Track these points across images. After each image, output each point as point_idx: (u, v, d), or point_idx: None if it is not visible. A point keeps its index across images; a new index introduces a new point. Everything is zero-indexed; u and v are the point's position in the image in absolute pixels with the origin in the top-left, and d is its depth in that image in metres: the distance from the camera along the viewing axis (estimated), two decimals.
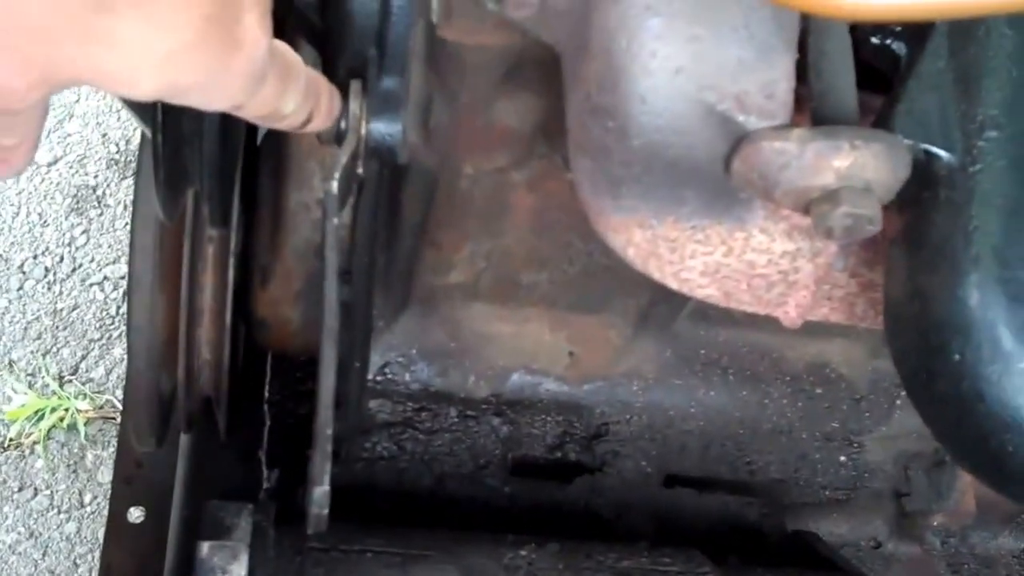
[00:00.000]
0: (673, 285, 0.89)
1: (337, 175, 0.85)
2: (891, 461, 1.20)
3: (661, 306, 1.13)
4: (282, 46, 0.78)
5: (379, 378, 1.13)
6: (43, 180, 2.04)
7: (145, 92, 0.68)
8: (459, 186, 1.04)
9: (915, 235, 0.80)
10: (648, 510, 1.17)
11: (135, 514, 1.45)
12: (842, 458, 1.18)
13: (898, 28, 0.83)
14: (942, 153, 0.79)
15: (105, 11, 0.64)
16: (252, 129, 1.10)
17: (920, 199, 0.80)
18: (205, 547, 0.97)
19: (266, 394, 1.30)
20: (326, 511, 0.88)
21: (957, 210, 0.78)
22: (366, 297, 1.12)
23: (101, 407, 1.91)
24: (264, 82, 0.76)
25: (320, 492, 0.88)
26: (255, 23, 0.72)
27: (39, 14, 0.63)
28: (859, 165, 0.77)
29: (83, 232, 2.02)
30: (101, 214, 2.01)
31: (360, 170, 0.92)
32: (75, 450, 1.88)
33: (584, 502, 1.16)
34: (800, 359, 1.17)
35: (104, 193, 2.03)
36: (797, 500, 1.20)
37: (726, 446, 1.17)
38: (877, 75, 0.86)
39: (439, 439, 1.14)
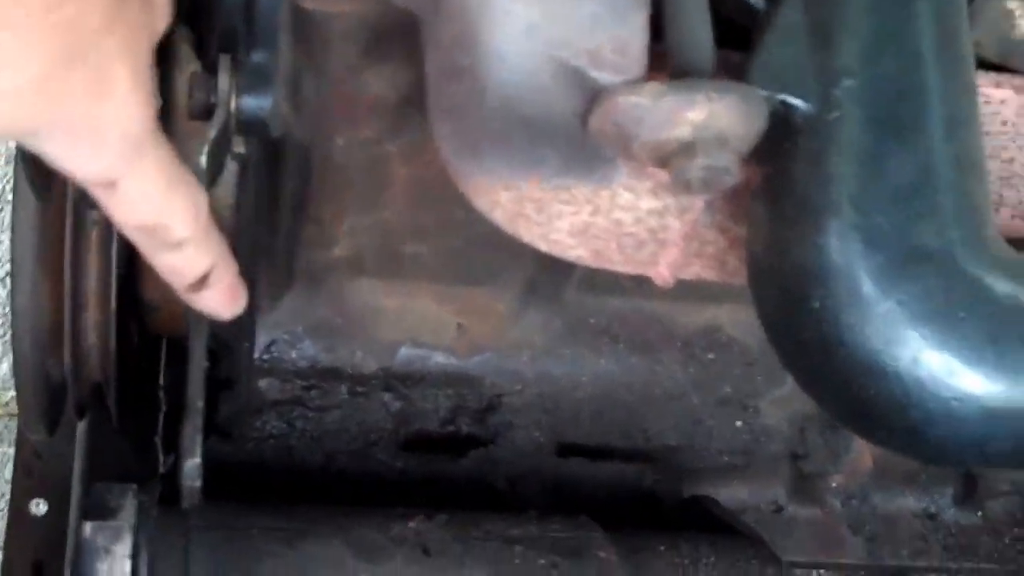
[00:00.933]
0: (543, 247, 0.88)
1: (205, 150, 0.84)
2: (787, 423, 1.20)
3: (547, 275, 1.12)
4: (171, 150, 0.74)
5: (266, 357, 1.12)
6: None
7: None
8: (333, 159, 1.03)
9: (774, 186, 0.80)
10: (542, 480, 1.16)
11: (38, 506, 1.43)
12: (738, 423, 1.18)
13: None
14: (799, 103, 0.78)
15: None
16: None
17: (779, 150, 0.79)
18: (88, 527, 0.95)
19: (161, 380, 1.28)
20: (199, 483, 0.87)
21: (814, 159, 0.78)
22: (250, 276, 1.11)
23: (6, 404, 1.89)
24: (143, 155, 0.72)
25: (191, 464, 0.87)
26: (127, 76, 0.69)
27: None
28: (714, 117, 0.76)
29: None
30: (1, 210, 1.99)
31: (241, 149, 0.91)
32: None
33: (478, 474, 1.15)
34: (691, 325, 1.16)
35: (3, 189, 2.01)
36: (694, 466, 1.20)
37: (619, 414, 1.17)
38: (739, 31, 0.86)
39: (329, 416, 1.13)
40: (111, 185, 0.71)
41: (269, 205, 1.07)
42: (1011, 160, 0.89)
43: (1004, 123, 0.88)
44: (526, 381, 1.15)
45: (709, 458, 1.19)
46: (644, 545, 1.03)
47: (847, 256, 0.75)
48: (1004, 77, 0.90)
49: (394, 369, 1.13)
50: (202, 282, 0.79)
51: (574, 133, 0.80)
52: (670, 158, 0.77)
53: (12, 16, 0.62)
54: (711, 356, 1.15)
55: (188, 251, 0.76)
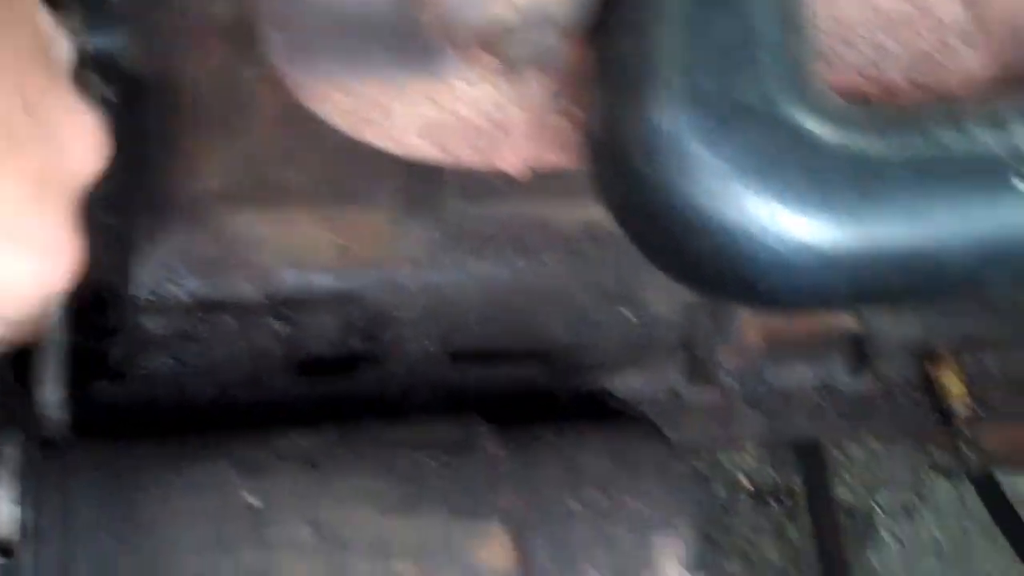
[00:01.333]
0: (393, 149, 0.89)
1: None
2: (675, 310, 1.21)
3: (423, 186, 1.13)
4: None
5: (149, 296, 1.13)
6: None
7: None
8: (190, 89, 1.03)
9: (603, 62, 0.81)
10: (436, 389, 1.17)
11: None
12: (626, 314, 1.19)
13: None
14: None
15: None
16: None
17: (606, 24, 0.81)
18: None
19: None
20: (64, 415, 0.88)
21: (637, 29, 0.79)
22: (125, 217, 1.12)
23: None
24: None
25: (52, 395, 0.88)
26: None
27: None
28: None
29: None
30: None
31: (101, 88, 0.92)
32: None
33: (373, 390, 1.16)
34: (571, 222, 1.17)
35: None
36: (587, 362, 1.21)
37: (508, 317, 1.18)
38: None
39: (218, 348, 1.14)
40: None
41: (136, 143, 1.07)
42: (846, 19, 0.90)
43: None
44: (411, 294, 1.16)
45: (601, 352, 1.20)
46: (532, 437, 1.05)
47: (673, 120, 0.76)
48: None
49: (279, 296, 1.14)
50: None
51: (401, 27, 0.81)
52: (495, 40, 0.79)
53: None
54: (593, 252, 1.16)
55: None
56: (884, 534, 1.94)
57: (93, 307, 1.22)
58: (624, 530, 1.00)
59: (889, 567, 1.91)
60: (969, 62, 0.87)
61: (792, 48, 0.78)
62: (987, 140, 0.75)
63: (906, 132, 0.77)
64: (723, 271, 0.77)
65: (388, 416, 1.16)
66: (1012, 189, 0.74)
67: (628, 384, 1.22)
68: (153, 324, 1.14)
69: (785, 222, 0.75)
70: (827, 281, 0.76)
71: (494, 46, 0.78)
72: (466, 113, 0.87)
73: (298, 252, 1.15)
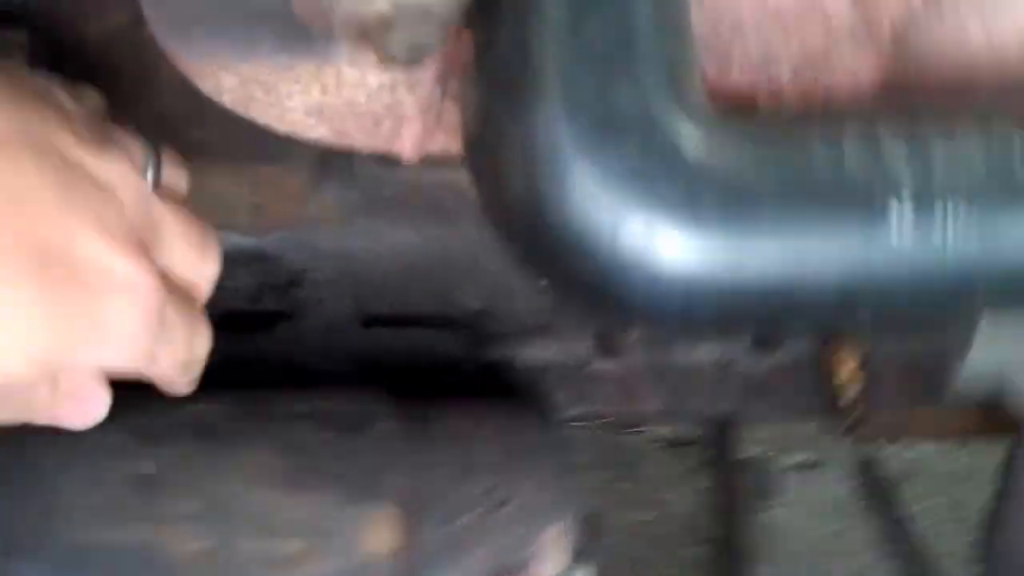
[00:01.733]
0: (281, 128, 0.87)
1: None
2: None
3: (339, 150, 1.12)
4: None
5: None
6: None
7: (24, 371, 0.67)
8: (92, 50, 1.01)
9: (482, 56, 0.79)
10: (349, 353, 1.17)
11: None
12: (540, 283, 1.18)
13: None
14: None
15: None
16: None
17: (486, 15, 0.79)
18: None
19: None
20: None
21: (516, 25, 0.77)
22: None
23: None
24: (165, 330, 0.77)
25: None
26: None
27: None
28: None
29: None
30: None
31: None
32: None
33: (287, 351, 1.16)
34: None
35: None
36: (499, 329, 1.21)
37: (422, 282, 1.17)
38: None
39: None
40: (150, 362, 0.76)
41: None
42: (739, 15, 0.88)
43: None
44: (325, 256, 1.15)
45: (513, 321, 1.20)
46: (429, 416, 1.05)
47: (548, 127, 0.75)
48: None
49: None
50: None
51: (285, 9, 0.79)
52: (369, 33, 0.77)
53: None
54: None
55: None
56: (790, 491, 1.95)
57: None
58: (514, 518, 1.01)
59: (792, 523, 1.93)
60: (857, 64, 0.85)
61: (671, 53, 0.76)
62: (863, 163, 0.73)
63: (781, 150, 0.75)
64: (592, 286, 0.75)
65: (302, 379, 1.16)
66: (884, 218, 0.73)
67: (537, 354, 1.22)
68: None
69: (654, 239, 0.73)
70: (694, 304, 0.75)
71: (373, 40, 0.76)
72: (356, 97, 0.85)
73: (211, 210, 1.13)
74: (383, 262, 1.16)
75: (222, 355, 1.17)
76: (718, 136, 0.75)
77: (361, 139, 0.88)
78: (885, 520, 1.58)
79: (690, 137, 0.75)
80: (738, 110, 0.87)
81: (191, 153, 1.12)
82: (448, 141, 0.89)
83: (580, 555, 0.99)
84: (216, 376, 1.15)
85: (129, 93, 1.06)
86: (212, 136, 1.10)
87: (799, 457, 1.92)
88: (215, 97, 0.84)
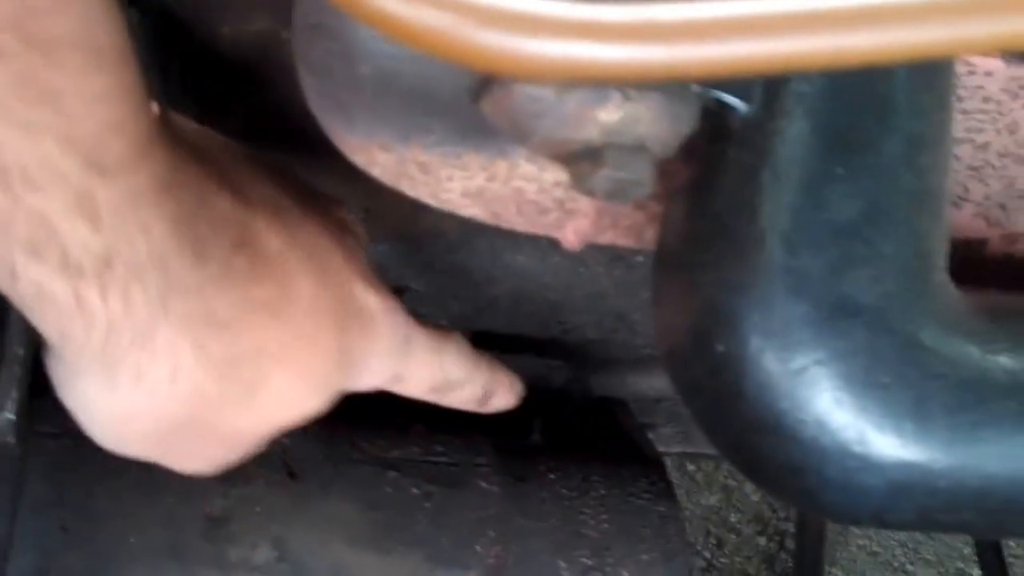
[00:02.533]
0: (431, 203, 0.76)
1: None
2: None
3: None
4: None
5: None
6: None
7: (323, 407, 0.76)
8: (225, 51, 0.88)
9: (696, 196, 0.67)
10: None
11: None
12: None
13: None
14: (738, 103, 0.65)
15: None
16: None
17: (707, 154, 0.66)
18: None
19: None
20: (12, 440, 0.77)
21: (745, 176, 0.64)
22: None
23: None
24: (411, 347, 0.80)
25: (3, 419, 0.77)
26: (377, 306, 0.77)
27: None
28: (630, 120, 0.62)
29: None
30: None
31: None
32: None
33: None
34: None
35: None
36: (614, 357, 1.10)
37: (538, 306, 1.06)
38: None
39: None
40: (398, 380, 0.81)
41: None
42: (985, 146, 0.75)
43: (986, 100, 0.74)
44: (435, 272, 1.03)
45: (630, 351, 1.09)
46: (532, 472, 0.95)
47: (765, 301, 0.63)
48: None
49: None
50: (487, 397, 0.87)
51: (464, 106, 0.66)
52: (571, 159, 0.64)
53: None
54: (639, 259, 1.03)
55: (468, 386, 0.85)
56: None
57: None
58: None
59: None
60: None
61: (921, 231, 0.64)
62: None
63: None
64: (784, 478, 0.65)
65: (394, 399, 1.06)
66: None
67: (651, 383, 1.11)
68: None
69: (869, 446, 0.63)
70: (896, 508, 0.65)
71: (572, 170, 0.64)
72: (526, 190, 0.73)
73: None
74: (497, 285, 1.04)
75: None
76: (960, 336, 0.64)
77: (520, 223, 0.76)
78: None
79: (927, 336, 0.63)
80: (966, 256, 0.76)
81: (307, 149, 1.01)
82: (617, 238, 0.77)
83: None
84: None
85: (257, 94, 0.94)
86: None
87: None
88: (364, 168, 0.72)
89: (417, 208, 1.02)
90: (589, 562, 0.93)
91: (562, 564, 0.93)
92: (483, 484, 0.93)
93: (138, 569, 0.87)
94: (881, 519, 0.68)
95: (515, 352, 1.06)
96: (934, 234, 0.65)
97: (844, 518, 0.69)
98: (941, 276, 0.66)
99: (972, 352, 0.64)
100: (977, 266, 0.77)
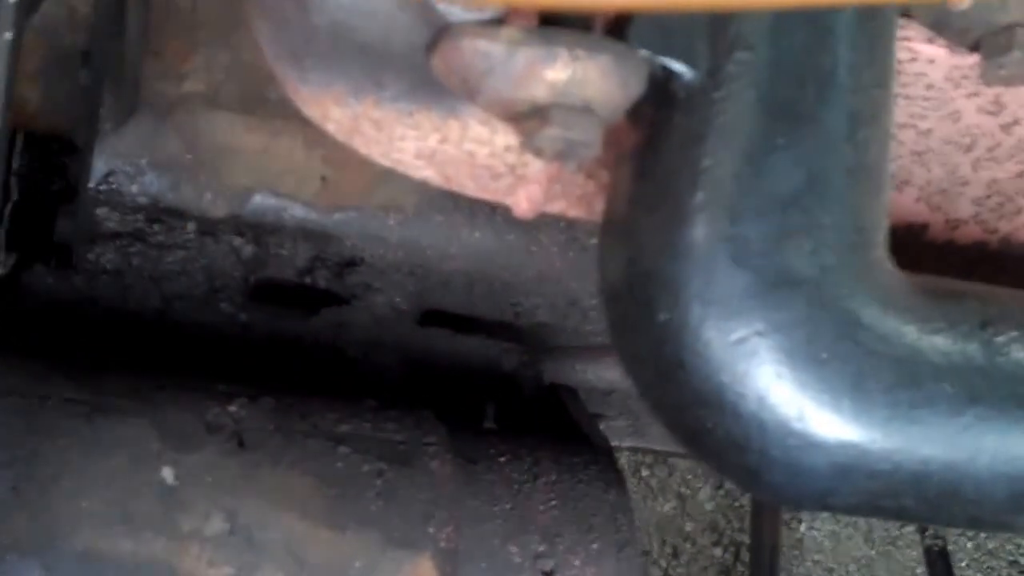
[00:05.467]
0: (384, 163, 0.76)
1: None
2: None
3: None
4: None
5: (103, 187, 1.01)
6: None
7: None
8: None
9: (641, 162, 0.68)
10: (399, 349, 1.07)
11: None
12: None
13: None
14: (683, 70, 0.66)
15: None
16: None
17: (653, 120, 0.67)
18: None
19: (14, 166, 1.18)
20: None
21: (690, 141, 0.65)
22: (95, 94, 1.00)
23: None
24: None
25: None
26: None
27: None
28: (578, 80, 0.63)
29: None
30: None
31: None
32: None
33: (329, 337, 1.06)
34: None
35: None
36: (565, 344, 1.11)
37: (492, 286, 1.07)
38: None
39: (171, 255, 1.02)
40: None
41: (116, 29, 0.94)
42: (928, 132, 0.76)
43: (929, 87, 0.75)
44: (389, 246, 1.04)
45: (581, 338, 1.10)
46: (483, 454, 0.96)
47: (707, 268, 0.64)
48: None
49: (245, 217, 1.02)
50: None
51: (417, 62, 0.67)
52: (520, 119, 0.65)
53: None
54: (593, 242, 1.04)
55: None
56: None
57: (52, 157, 1.12)
58: None
59: (816, 538, 1.85)
60: None
61: (860, 205, 0.65)
62: None
63: (970, 339, 0.65)
64: (725, 454, 0.66)
65: (342, 374, 1.06)
66: None
67: (602, 373, 1.12)
68: (104, 216, 1.03)
69: (809, 422, 0.64)
70: (839, 490, 0.66)
71: (521, 128, 0.65)
72: (478, 153, 0.74)
73: (276, 174, 1.02)
74: (450, 262, 1.05)
75: (257, 332, 1.08)
76: (898, 314, 0.65)
77: (472, 188, 0.77)
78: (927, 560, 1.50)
79: (866, 311, 0.64)
80: (909, 240, 0.77)
81: (263, 107, 1.02)
82: (569, 208, 0.78)
83: None
84: (253, 355, 1.06)
85: (209, 39, 0.95)
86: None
87: None
88: (318, 125, 0.73)
89: (375, 179, 1.05)
90: (540, 548, 0.93)
91: (513, 550, 0.93)
92: (434, 464, 0.93)
93: (88, 533, 0.87)
94: (824, 502, 0.69)
95: (467, 333, 1.07)
96: (873, 210, 0.66)
97: (788, 500, 0.70)
98: (880, 253, 0.67)
99: (909, 331, 0.65)
100: (919, 251, 0.79)
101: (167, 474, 0.89)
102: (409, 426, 0.95)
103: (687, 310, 0.64)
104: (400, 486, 0.92)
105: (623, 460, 1.73)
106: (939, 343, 0.65)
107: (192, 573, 0.87)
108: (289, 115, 1.01)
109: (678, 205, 0.65)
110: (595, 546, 0.93)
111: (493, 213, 1.04)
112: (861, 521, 1.85)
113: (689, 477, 1.81)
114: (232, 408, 0.93)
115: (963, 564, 1.81)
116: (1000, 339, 0.65)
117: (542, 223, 1.04)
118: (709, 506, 1.85)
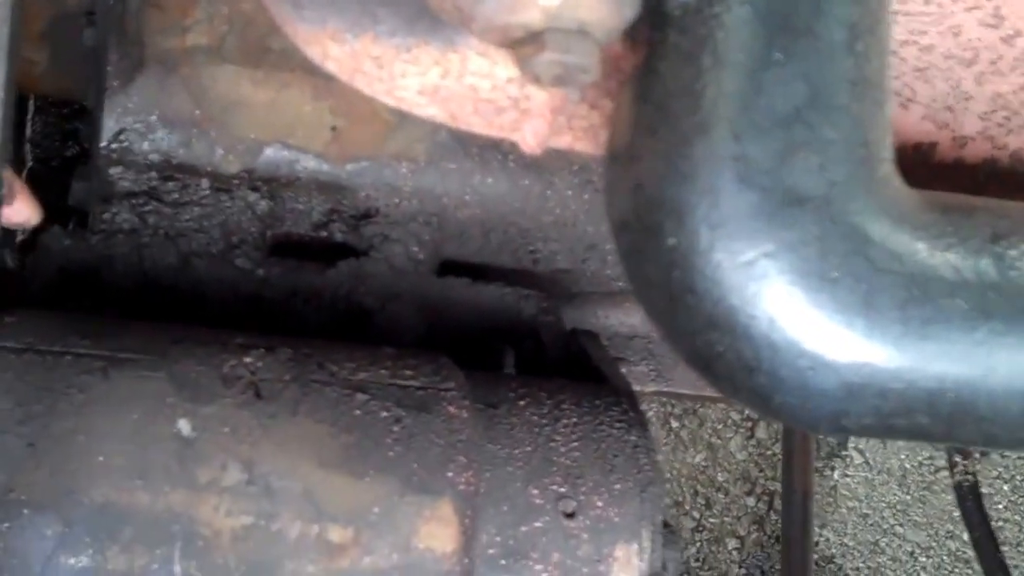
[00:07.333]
0: (389, 102, 0.76)
1: None
2: None
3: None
4: None
5: (114, 145, 1.01)
6: None
7: None
8: None
9: (640, 84, 0.67)
10: (416, 300, 1.06)
11: None
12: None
13: None
14: None
15: None
16: None
17: (650, 41, 0.66)
18: None
19: (27, 132, 1.18)
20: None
21: (686, 61, 0.64)
22: (101, 50, 1.00)
23: None
24: None
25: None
26: None
27: None
28: (571, 2, 0.62)
29: None
30: None
31: None
32: None
33: (347, 290, 1.05)
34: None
35: None
36: (585, 289, 1.10)
37: (509, 233, 1.06)
38: None
39: (187, 213, 1.02)
40: None
41: None
42: (930, 48, 0.75)
43: (927, 2, 0.73)
44: (404, 195, 1.03)
45: (601, 283, 1.09)
46: (502, 398, 0.95)
47: (713, 190, 0.63)
48: None
49: (258, 171, 1.02)
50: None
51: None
52: (515, 45, 0.65)
53: None
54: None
55: None
56: (854, 453, 1.86)
57: (65, 122, 1.13)
58: (585, 532, 0.92)
59: (850, 485, 1.84)
60: None
61: (864, 118, 0.64)
62: None
63: (981, 254, 0.64)
64: (736, 377, 0.65)
65: (360, 327, 1.06)
66: None
67: (623, 318, 1.11)
68: (118, 175, 1.03)
69: (821, 343, 0.63)
70: (852, 411, 0.65)
71: (516, 54, 0.64)
72: (480, 87, 0.74)
73: (286, 126, 1.02)
74: (465, 209, 1.04)
75: (275, 287, 1.07)
76: (909, 229, 0.64)
77: (478, 125, 0.77)
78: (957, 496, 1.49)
79: (876, 227, 0.63)
80: (918, 160, 0.76)
81: (269, 57, 1.02)
82: (575, 142, 0.77)
83: None
84: (266, 307, 1.06)
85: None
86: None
87: None
88: (318, 63, 0.73)
89: (385, 129, 1.05)
90: (562, 490, 0.93)
91: (534, 491, 0.92)
92: (452, 409, 0.93)
93: (105, 487, 0.87)
94: (838, 423, 0.68)
95: (486, 281, 1.07)
96: (877, 123, 0.65)
97: (801, 422, 0.69)
98: (888, 168, 0.65)
99: (920, 247, 0.64)
100: (929, 172, 0.77)
101: (183, 426, 0.89)
102: (427, 372, 0.95)
103: (695, 234, 0.64)
104: (418, 432, 0.91)
105: (652, 411, 1.73)
106: (951, 258, 0.64)
107: (210, 523, 0.87)
108: (295, 67, 1.01)
109: (679, 127, 0.64)
110: (617, 487, 0.93)
111: (505, 159, 1.04)
112: (895, 466, 1.84)
113: (719, 427, 1.80)
114: (248, 359, 0.93)
115: (1000, 506, 1.80)
116: (1012, 252, 0.64)
117: (556, 167, 1.04)
118: (741, 456, 1.84)
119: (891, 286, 0.63)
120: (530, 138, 0.77)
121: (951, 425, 0.67)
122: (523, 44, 0.63)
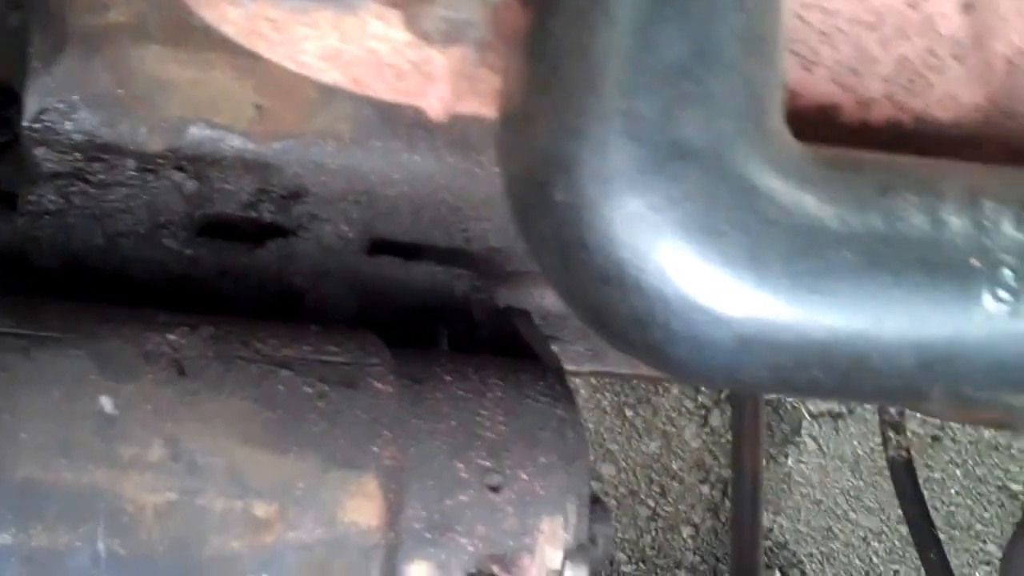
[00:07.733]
0: (291, 67, 0.76)
1: None
2: None
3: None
4: None
5: (36, 125, 1.00)
6: None
7: None
8: None
9: (531, 42, 0.67)
10: (347, 279, 1.06)
11: None
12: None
13: None
14: None
15: None
16: None
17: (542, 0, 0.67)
18: None
19: None
20: None
21: (577, 17, 0.65)
22: (21, 31, 0.99)
23: None
24: None
25: None
26: None
27: None
28: None
29: None
30: None
31: None
32: None
33: (276, 269, 1.05)
34: None
35: None
36: (519, 269, 1.10)
37: (439, 211, 1.06)
38: None
39: (113, 193, 1.02)
40: None
41: None
42: (835, 12, 0.75)
43: None
44: (330, 172, 1.03)
45: (533, 262, 1.09)
46: (428, 374, 0.95)
47: (601, 145, 0.63)
48: None
49: (183, 150, 1.01)
50: None
51: None
52: (407, 3, 0.65)
53: None
54: None
55: None
56: (808, 440, 1.87)
57: None
58: (510, 506, 0.91)
59: (804, 471, 1.85)
60: (960, 90, 0.74)
61: (752, 73, 0.64)
62: (962, 240, 0.63)
63: (869, 207, 0.64)
64: (629, 331, 0.65)
65: (290, 306, 1.06)
66: (978, 304, 0.62)
67: (557, 299, 1.11)
68: (42, 156, 1.03)
69: (711, 296, 0.63)
70: (745, 364, 0.65)
71: (405, 10, 0.65)
72: (380, 50, 0.74)
73: (210, 105, 1.02)
74: (393, 187, 1.04)
75: (204, 266, 1.07)
76: (798, 181, 0.64)
77: (381, 90, 0.77)
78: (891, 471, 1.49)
79: (764, 180, 0.64)
80: (822, 122, 0.76)
81: (192, 35, 1.01)
82: (482, 107, 0.78)
83: (578, 551, 0.91)
84: (195, 288, 1.06)
85: None
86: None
87: (824, 407, 1.84)
88: (215, 26, 0.73)
89: (310, 107, 1.04)
90: (487, 463, 0.93)
91: (459, 465, 0.92)
92: (378, 384, 0.93)
93: (28, 465, 0.87)
94: (732, 377, 0.68)
95: (416, 258, 1.07)
96: (767, 79, 0.65)
97: (696, 376, 0.69)
98: (776, 123, 0.66)
99: (808, 200, 0.65)
100: (833, 134, 0.78)
101: (106, 403, 0.89)
102: (352, 348, 0.95)
103: (583, 189, 0.64)
104: (343, 407, 0.91)
105: (606, 401, 1.73)
106: (839, 211, 0.64)
107: (134, 500, 0.87)
108: (217, 46, 1.01)
109: (569, 84, 0.64)
110: (543, 459, 0.93)
111: (432, 136, 1.03)
112: (848, 453, 1.84)
113: (674, 415, 1.80)
114: (172, 337, 0.92)
115: (953, 491, 1.80)
116: (901, 204, 0.64)
117: (484, 145, 1.03)
118: (695, 443, 1.85)
119: (779, 238, 0.64)
120: (435, 103, 0.78)
121: (846, 379, 0.67)
122: (412, 1, 0.64)
